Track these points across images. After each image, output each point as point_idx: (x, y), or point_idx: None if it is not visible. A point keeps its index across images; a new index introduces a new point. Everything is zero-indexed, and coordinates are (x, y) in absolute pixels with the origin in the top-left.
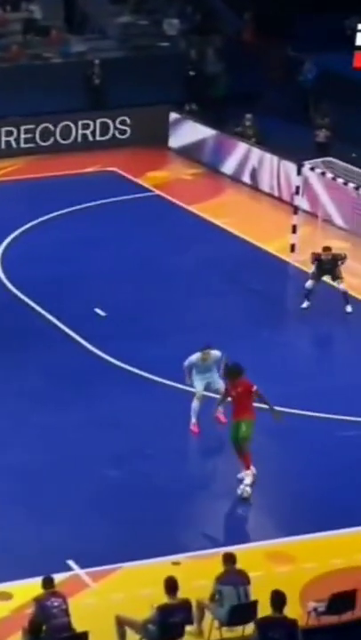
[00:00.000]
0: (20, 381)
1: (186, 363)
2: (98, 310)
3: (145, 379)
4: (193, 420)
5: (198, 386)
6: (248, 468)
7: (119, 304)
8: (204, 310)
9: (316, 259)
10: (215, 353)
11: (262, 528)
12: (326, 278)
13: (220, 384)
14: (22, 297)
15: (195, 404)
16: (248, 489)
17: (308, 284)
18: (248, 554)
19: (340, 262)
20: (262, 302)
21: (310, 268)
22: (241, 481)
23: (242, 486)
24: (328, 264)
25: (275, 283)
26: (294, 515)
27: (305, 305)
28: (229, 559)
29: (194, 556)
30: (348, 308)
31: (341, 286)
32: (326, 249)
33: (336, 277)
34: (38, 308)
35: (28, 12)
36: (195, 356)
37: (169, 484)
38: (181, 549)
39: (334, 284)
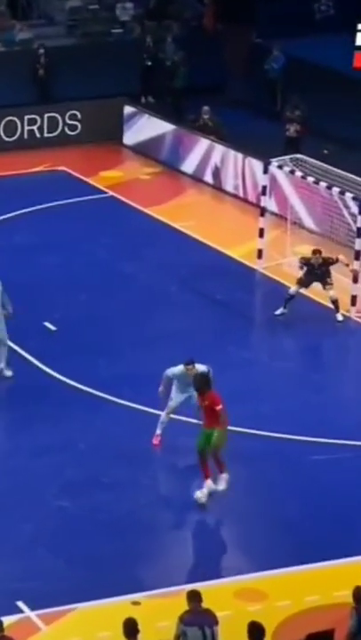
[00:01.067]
0: None
1: (167, 373)
2: (47, 324)
3: (99, 398)
4: (158, 431)
5: (176, 399)
6: (207, 477)
7: (71, 316)
8: (163, 323)
9: (305, 264)
10: (200, 367)
11: (231, 562)
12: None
13: None
14: None
15: (164, 417)
16: (203, 496)
17: (292, 289)
18: (215, 591)
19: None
20: (227, 314)
21: (292, 276)
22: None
23: (202, 491)
24: (319, 269)
25: (240, 292)
26: (266, 547)
27: (279, 312)
28: (194, 597)
29: (155, 595)
30: (339, 317)
31: (332, 293)
32: (316, 252)
33: (326, 284)
34: None
35: None
36: (178, 369)
37: (128, 515)
38: (142, 588)
39: (324, 291)
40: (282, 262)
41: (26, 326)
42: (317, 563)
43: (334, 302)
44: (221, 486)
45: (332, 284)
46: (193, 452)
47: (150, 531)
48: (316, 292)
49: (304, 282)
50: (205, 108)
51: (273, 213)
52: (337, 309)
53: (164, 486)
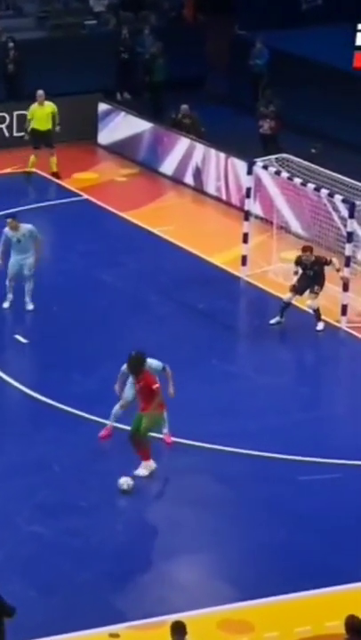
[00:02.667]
0: None
1: (122, 368)
2: (18, 337)
3: (74, 416)
4: (109, 423)
5: (128, 393)
6: (147, 459)
7: (42, 329)
8: (142, 334)
9: (298, 263)
10: (154, 362)
11: (214, 591)
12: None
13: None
14: None
15: (117, 409)
16: (130, 482)
17: (286, 297)
18: (199, 622)
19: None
20: (209, 324)
21: (278, 284)
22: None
23: (126, 478)
24: (311, 269)
25: (224, 301)
26: (252, 574)
27: (275, 320)
28: (178, 629)
29: (135, 627)
30: (320, 326)
31: (310, 302)
32: (307, 249)
33: (313, 291)
34: None
35: None
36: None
37: (105, 541)
38: (121, 618)
39: (306, 295)
40: (267, 269)
41: None
42: (308, 590)
43: (315, 311)
44: (141, 472)
45: (318, 293)
46: (174, 474)
47: (129, 557)
48: (304, 300)
49: (298, 288)
50: (184, 106)
51: (258, 217)
52: (318, 318)
53: (143, 510)
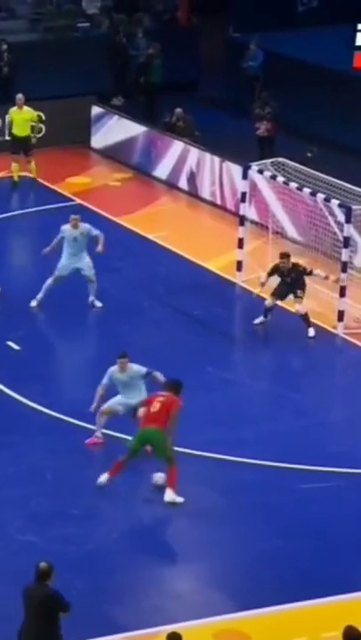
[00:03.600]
0: None
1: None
2: (10, 343)
3: (67, 424)
4: (97, 432)
5: (120, 402)
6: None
7: (35, 335)
8: (136, 341)
9: (274, 271)
10: (136, 368)
11: (210, 601)
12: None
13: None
14: None
15: (101, 418)
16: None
17: (267, 302)
18: (195, 632)
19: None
20: (205, 331)
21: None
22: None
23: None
24: (289, 275)
25: (219, 307)
26: (248, 584)
27: (259, 320)
28: None
29: (131, 637)
30: (311, 332)
31: (298, 306)
32: (284, 255)
33: (296, 295)
34: None
35: None
36: (110, 369)
37: (99, 550)
38: (115, 629)
39: (293, 301)
40: (263, 275)
41: None
42: (305, 601)
43: (303, 316)
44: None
45: (301, 297)
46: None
47: (124, 567)
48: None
49: (278, 293)
50: (178, 110)
51: (253, 222)
52: (308, 324)
53: (138, 519)
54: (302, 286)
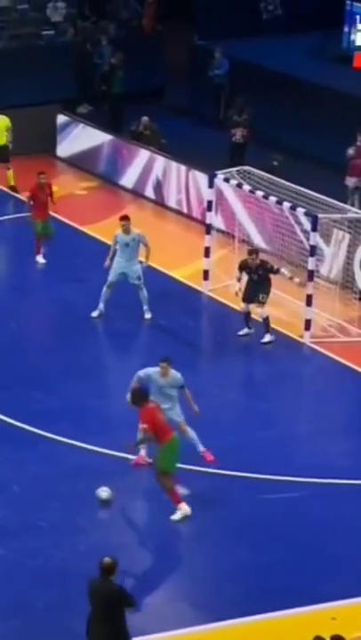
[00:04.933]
0: None
1: (140, 373)
2: None
3: (33, 434)
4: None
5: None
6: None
7: (2, 346)
8: (102, 351)
9: (242, 267)
10: (176, 374)
11: (181, 613)
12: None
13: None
14: None
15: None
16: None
17: (243, 306)
18: None
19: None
20: (172, 341)
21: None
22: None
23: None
24: (256, 273)
25: (185, 316)
26: (213, 596)
27: (244, 332)
28: None
29: None
30: (267, 338)
31: (260, 310)
32: (252, 252)
33: (260, 297)
34: None
35: None
36: (152, 370)
37: (66, 562)
38: None
39: (253, 305)
40: (230, 284)
41: None
42: (273, 612)
43: (265, 320)
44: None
45: (264, 302)
46: (134, 494)
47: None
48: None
49: (245, 296)
50: (144, 118)
51: (220, 231)
52: (267, 330)
53: (105, 531)
54: (267, 289)
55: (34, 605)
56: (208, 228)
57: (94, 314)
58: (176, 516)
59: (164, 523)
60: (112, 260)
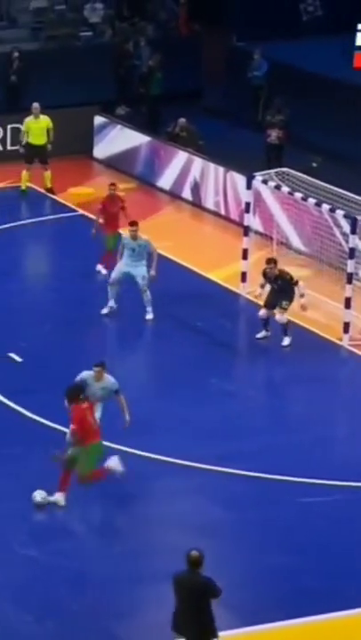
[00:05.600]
0: None
1: (77, 377)
2: (12, 355)
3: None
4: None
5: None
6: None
7: (37, 347)
8: (139, 353)
9: (263, 275)
10: (109, 379)
11: (216, 617)
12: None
13: None
14: None
15: None
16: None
17: (262, 312)
18: None
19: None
20: (208, 343)
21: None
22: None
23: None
24: (275, 282)
25: (223, 319)
26: (250, 600)
27: (261, 335)
28: None
29: None
30: (286, 341)
31: (279, 317)
32: (270, 261)
33: (281, 305)
34: None
35: None
36: (86, 373)
37: (103, 565)
38: None
39: (275, 311)
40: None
41: None
42: (308, 617)
43: (283, 326)
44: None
45: (286, 308)
46: (171, 497)
47: (126, 581)
48: (306, 319)
49: (267, 303)
50: (181, 119)
51: (257, 232)
52: (285, 333)
53: (142, 533)
54: (289, 296)
55: (69, 607)
56: (246, 230)
57: (104, 311)
58: (50, 497)
59: (200, 524)
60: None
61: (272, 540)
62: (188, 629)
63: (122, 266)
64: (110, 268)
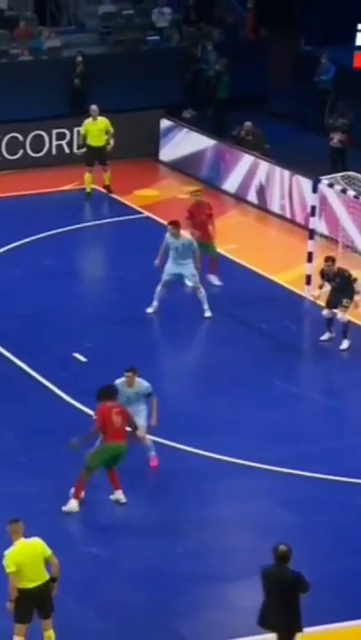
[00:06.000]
0: None
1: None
2: (77, 355)
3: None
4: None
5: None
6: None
7: (102, 347)
8: (203, 355)
9: (322, 274)
10: (142, 383)
11: None
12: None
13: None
14: None
15: None
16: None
17: (325, 312)
18: None
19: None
20: (273, 345)
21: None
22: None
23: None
24: (334, 280)
25: (288, 321)
26: (314, 602)
27: (326, 337)
28: None
29: None
30: (344, 345)
31: (340, 315)
32: (329, 259)
33: (341, 304)
34: (6, 353)
35: None
36: (118, 380)
37: (164, 564)
38: None
39: (335, 310)
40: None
41: (54, 358)
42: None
43: (344, 325)
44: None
45: (347, 306)
46: (235, 498)
47: (188, 581)
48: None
49: (329, 302)
50: (247, 123)
51: (323, 236)
52: (345, 335)
53: (203, 534)
54: (350, 294)
55: (131, 606)
56: (311, 233)
57: (149, 310)
58: (66, 507)
59: (264, 526)
60: (162, 259)
61: (335, 541)
62: (276, 624)
63: (171, 267)
64: (212, 271)
